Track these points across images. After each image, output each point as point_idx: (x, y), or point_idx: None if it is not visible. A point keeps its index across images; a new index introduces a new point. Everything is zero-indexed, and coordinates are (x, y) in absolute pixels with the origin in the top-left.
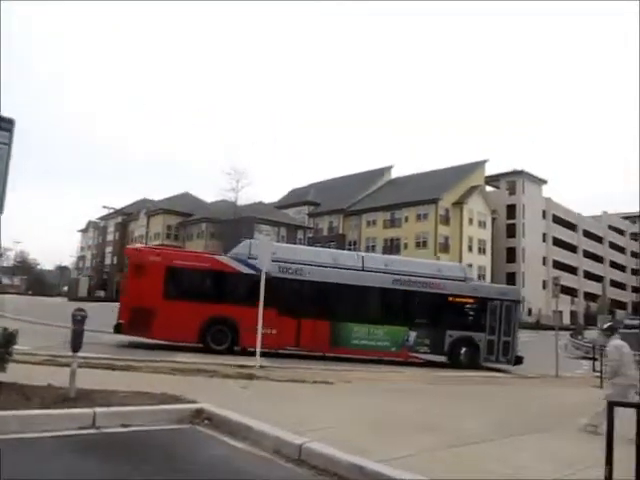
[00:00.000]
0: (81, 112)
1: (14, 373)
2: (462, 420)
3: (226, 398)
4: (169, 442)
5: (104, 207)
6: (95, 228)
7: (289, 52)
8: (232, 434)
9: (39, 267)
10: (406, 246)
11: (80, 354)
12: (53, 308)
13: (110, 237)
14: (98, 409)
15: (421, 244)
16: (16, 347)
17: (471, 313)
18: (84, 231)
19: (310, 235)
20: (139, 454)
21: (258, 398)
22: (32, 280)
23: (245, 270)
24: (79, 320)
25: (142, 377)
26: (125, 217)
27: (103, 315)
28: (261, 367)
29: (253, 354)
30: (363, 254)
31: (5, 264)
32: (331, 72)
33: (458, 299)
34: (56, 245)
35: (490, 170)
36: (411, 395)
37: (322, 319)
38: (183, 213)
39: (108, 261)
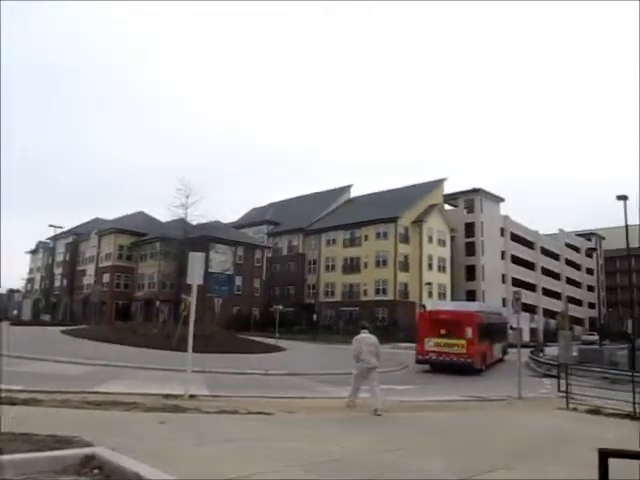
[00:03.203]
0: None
1: None
2: (422, 458)
3: (134, 438)
4: None
5: (50, 226)
6: (45, 249)
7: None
8: None
9: None
10: (366, 265)
11: None
12: None
13: (60, 258)
14: None
15: (381, 263)
16: None
17: None
18: (34, 252)
19: (269, 255)
20: None
21: (175, 436)
22: None
23: None
24: None
25: (40, 413)
26: (76, 237)
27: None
28: (191, 397)
29: None
30: None
31: None
32: (291, 86)
33: None
34: (11, 268)
35: (449, 189)
36: (363, 426)
37: None
38: (136, 232)
39: (58, 283)
